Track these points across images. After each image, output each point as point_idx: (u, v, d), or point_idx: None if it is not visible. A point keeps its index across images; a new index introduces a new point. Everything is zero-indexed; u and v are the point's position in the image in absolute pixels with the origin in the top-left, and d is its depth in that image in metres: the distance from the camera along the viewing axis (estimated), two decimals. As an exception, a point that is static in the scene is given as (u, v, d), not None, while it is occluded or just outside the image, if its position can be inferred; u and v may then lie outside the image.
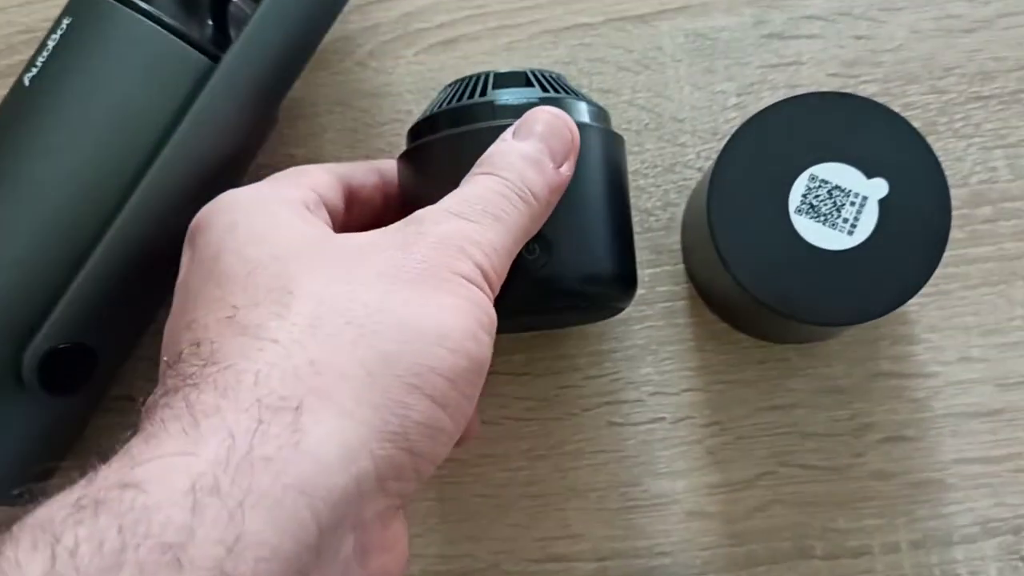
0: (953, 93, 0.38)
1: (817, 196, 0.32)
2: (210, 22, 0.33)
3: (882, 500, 0.36)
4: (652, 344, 0.38)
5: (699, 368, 0.37)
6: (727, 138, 0.33)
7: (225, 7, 0.34)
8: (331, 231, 0.29)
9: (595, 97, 0.39)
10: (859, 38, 0.38)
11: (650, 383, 0.37)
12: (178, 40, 0.32)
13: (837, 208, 0.32)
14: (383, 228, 0.28)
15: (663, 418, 0.37)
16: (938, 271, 0.32)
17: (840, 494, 0.37)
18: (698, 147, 0.39)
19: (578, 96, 0.33)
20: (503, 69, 0.32)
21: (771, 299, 0.32)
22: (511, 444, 0.37)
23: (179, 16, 0.32)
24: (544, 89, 0.32)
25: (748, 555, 0.36)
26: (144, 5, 0.32)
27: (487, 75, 0.32)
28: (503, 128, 0.30)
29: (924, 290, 0.32)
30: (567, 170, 0.30)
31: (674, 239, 0.38)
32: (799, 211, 0.33)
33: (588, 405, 0.37)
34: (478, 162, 0.29)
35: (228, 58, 0.32)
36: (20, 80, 0.32)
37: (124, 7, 0.31)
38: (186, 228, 0.30)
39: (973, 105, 0.38)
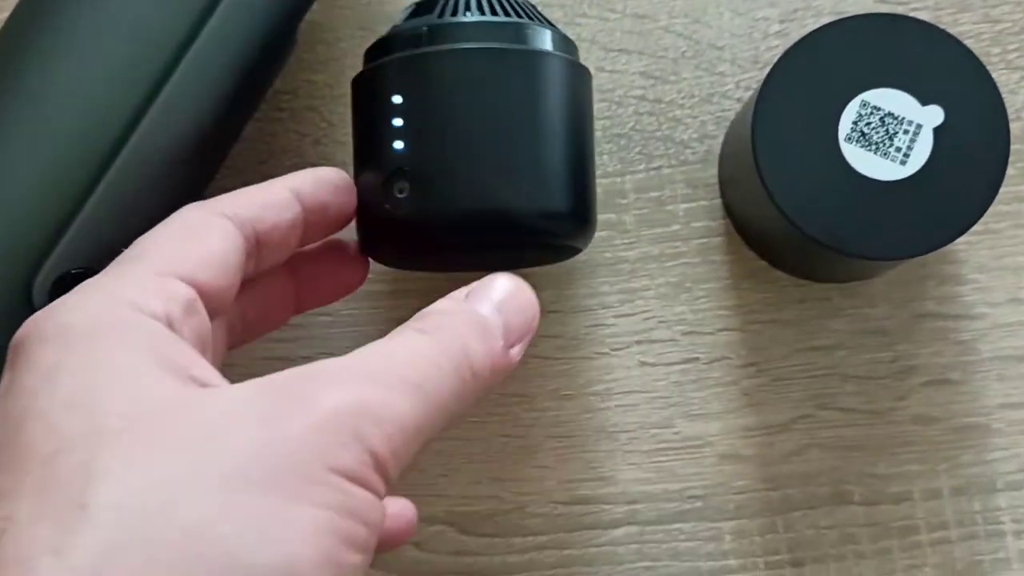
0: (1007, 23, 0.36)
1: (868, 124, 0.31)
2: None
3: (924, 445, 0.35)
4: (686, 282, 0.36)
5: (735, 307, 0.36)
6: (771, 64, 0.31)
7: None
8: (184, 388, 0.22)
9: (628, 23, 0.37)
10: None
11: (684, 322, 0.36)
12: None
13: (890, 136, 0.31)
14: (260, 382, 0.22)
15: (697, 358, 0.36)
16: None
17: (880, 438, 0.35)
18: (737, 76, 0.37)
19: (543, 23, 0.31)
20: None
21: (818, 231, 0.30)
22: (538, 384, 0.36)
23: None
24: (507, 13, 0.30)
25: (783, 500, 0.35)
26: None
27: None
28: (456, 52, 0.29)
29: (973, 228, 0.31)
30: (517, 354, 0.25)
31: (711, 172, 0.36)
32: (849, 139, 0.31)
33: (618, 344, 0.36)
34: (416, 316, 0.25)
35: None
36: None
37: None
38: (204, 146, 0.28)
39: (1029, 34, 0.36)
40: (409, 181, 0.29)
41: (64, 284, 0.30)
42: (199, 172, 0.32)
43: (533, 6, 0.32)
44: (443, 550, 0.36)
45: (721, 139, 0.37)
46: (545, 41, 0.30)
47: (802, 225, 0.30)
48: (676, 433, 0.36)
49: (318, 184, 0.29)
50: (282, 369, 0.22)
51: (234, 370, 0.25)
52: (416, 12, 0.31)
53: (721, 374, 0.36)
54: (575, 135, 0.30)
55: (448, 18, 0.30)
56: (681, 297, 0.36)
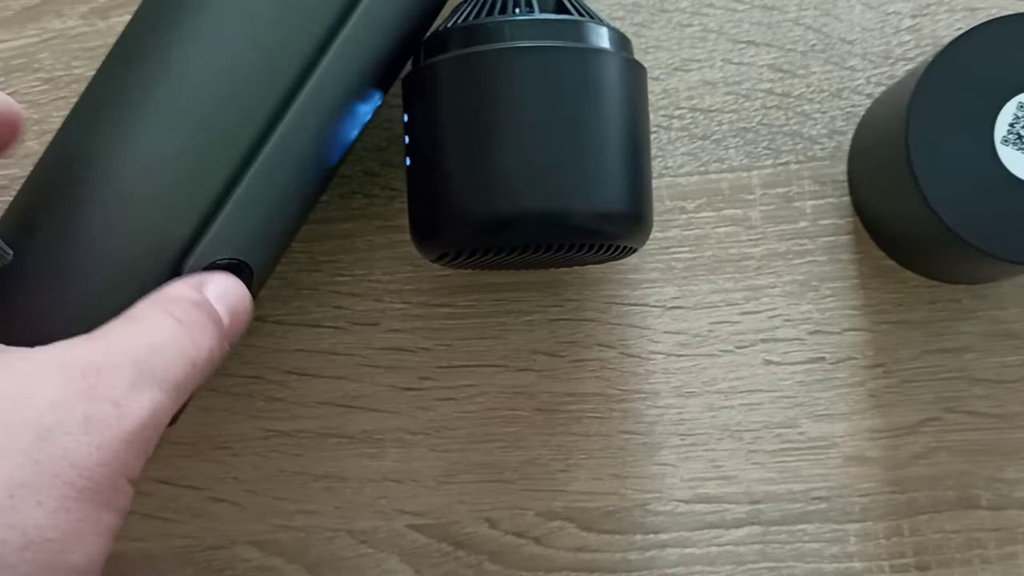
0: None
1: None
2: None
3: (1053, 451, 0.35)
4: (813, 280, 0.36)
5: (863, 307, 0.35)
6: (903, 59, 0.31)
7: None
8: None
9: (757, 15, 0.36)
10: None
11: (810, 321, 0.36)
12: None
13: None
14: (67, 366, 0.23)
15: (823, 358, 0.35)
16: None
17: (1009, 443, 0.35)
18: (868, 72, 0.36)
19: (598, 20, 0.30)
20: None
21: (973, 235, 0.30)
22: (661, 380, 0.36)
23: None
24: (562, 11, 0.30)
25: (909, 503, 0.35)
26: None
27: None
28: (512, 51, 0.29)
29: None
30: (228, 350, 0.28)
31: (840, 169, 0.36)
32: (1005, 141, 0.30)
33: (743, 342, 0.36)
34: (163, 296, 0.27)
35: None
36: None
37: None
38: (345, 136, 0.28)
39: None
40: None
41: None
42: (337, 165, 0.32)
43: (585, 4, 0.31)
44: (563, 546, 0.35)
45: (851, 135, 0.36)
46: (601, 39, 0.30)
47: (957, 229, 0.30)
48: (801, 433, 0.35)
49: None
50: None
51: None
52: (470, 10, 0.31)
53: (847, 374, 0.35)
54: (631, 135, 0.30)
55: (504, 16, 0.30)
56: (808, 295, 0.36)
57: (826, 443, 0.35)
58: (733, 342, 0.36)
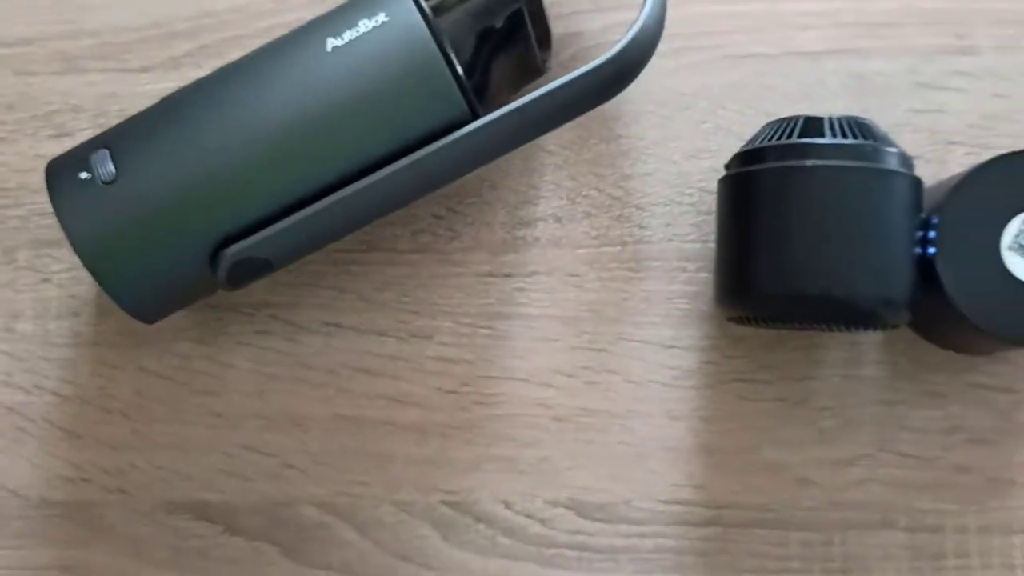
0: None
1: None
2: (480, 63, 0.39)
3: (959, 490, 0.43)
4: (783, 336, 0.44)
5: (820, 361, 0.44)
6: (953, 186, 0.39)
7: (493, 66, 0.40)
8: None
9: (760, 119, 0.44)
10: (998, 96, 0.44)
11: (777, 368, 0.44)
12: (452, 79, 0.37)
13: None
14: None
15: (785, 399, 0.44)
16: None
17: (926, 480, 0.43)
18: (844, 172, 0.45)
19: (885, 141, 0.39)
20: (811, 114, 0.40)
21: (985, 319, 0.38)
22: (655, 404, 0.44)
23: (463, 50, 0.38)
24: (857, 136, 0.39)
25: (842, 520, 0.43)
26: (443, 44, 0.37)
27: (807, 118, 0.39)
28: (836, 172, 0.37)
29: None
30: None
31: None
32: (1011, 248, 0.38)
33: (724, 379, 0.44)
34: None
35: (485, 122, 0.38)
36: (322, 39, 0.38)
37: (430, 34, 0.37)
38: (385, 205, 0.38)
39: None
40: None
41: (243, 266, 0.38)
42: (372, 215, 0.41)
43: (876, 127, 0.40)
44: (563, 528, 0.44)
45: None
46: (891, 161, 0.38)
47: (971, 317, 0.38)
48: (762, 456, 0.44)
49: None
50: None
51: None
52: (783, 129, 0.40)
53: (803, 413, 0.44)
54: (910, 237, 0.38)
55: (810, 139, 0.39)
56: (776, 348, 0.44)
57: (781, 466, 0.44)
58: (715, 379, 0.44)
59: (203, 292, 0.41)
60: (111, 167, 0.38)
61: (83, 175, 0.38)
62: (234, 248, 0.38)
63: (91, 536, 0.45)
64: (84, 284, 0.46)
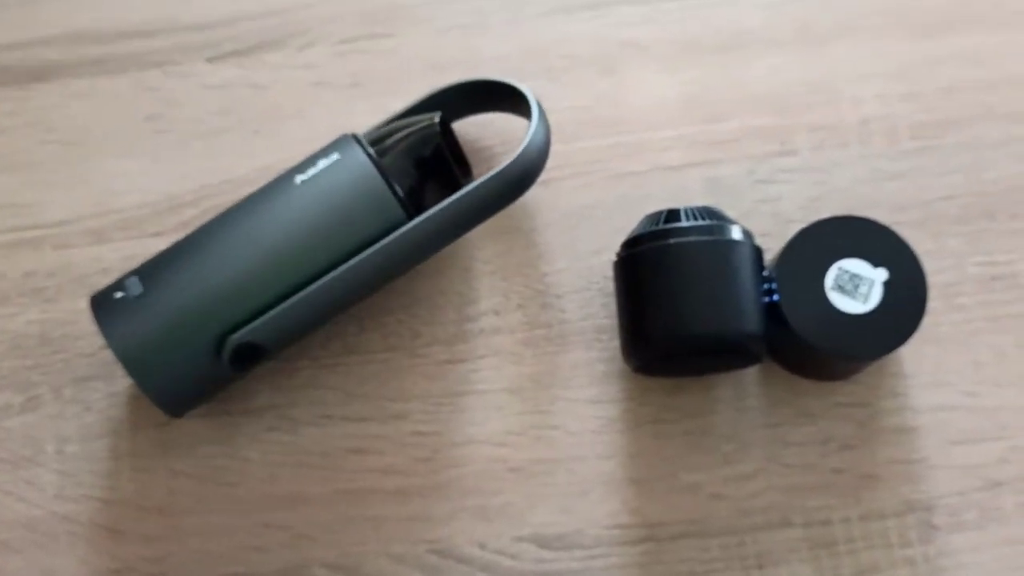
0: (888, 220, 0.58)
1: (843, 279, 0.50)
2: (413, 185, 0.52)
3: (839, 488, 0.54)
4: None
5: (718, 398, 0.56)
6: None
7: (428, 182, 0.53)
8: None
9: (641, 218, 0.58)
10: (817, 183, 0.58)
11: (680, 409, 0.56)
12: (392, 195, 0.50)
13: (855, 287, 0.50)
14: None
15: (692, 432, 0.55)
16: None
17: (810, 484, 0.54)
18: (713, 252, 0.58)
19: (728, 220, 0.52)
20: (677, 206, 0.53)
21: (821, 342, 0.50)
22: (588, 449, 0.55)
23: (399, 176, 0.51)
24: (705, 218, 0.52)
25: (751, 523, 0.53)
26: (383, 167, 0.50)
27: (669, 210, 0.52)
28: (693, 244, 0.50)
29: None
30: None
31: (698, 313, 0.57)
32: (832, 288, 0.51)
33: (640, 422, 0.55)
34: None
35: (416, 222, 0.50)
36: (292, 177, 0.51)
37: (373, 166, 0.50)
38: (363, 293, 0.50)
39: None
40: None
41: (244, 349, 0.50)
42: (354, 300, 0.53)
43: (721, 211, 0.53)
44: (528, 559, 0.54)
45: (704, 292, 0.57)
46: (734, 233, 0.51)
47: (811, 340, 0.50)
48: (679, 480, 0.55)
49: None
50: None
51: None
52: (651, 221, 0.53)
53: (708, 442, 0.55)
54: (757, 288, 0.51)
55: (672, 224, 0.51)
56: (690, 388, 0.56)
57: (696, 486, 0.54)
58: (634, 423, 0.55)
59: (216, 381, 0.52)
60: (139, 286, 0.49)
61: (118, 295, 0.50)
62: (235, 336, 0.49)
63: (138, 616, 0.54)
64: (118, 407, 0.56)
